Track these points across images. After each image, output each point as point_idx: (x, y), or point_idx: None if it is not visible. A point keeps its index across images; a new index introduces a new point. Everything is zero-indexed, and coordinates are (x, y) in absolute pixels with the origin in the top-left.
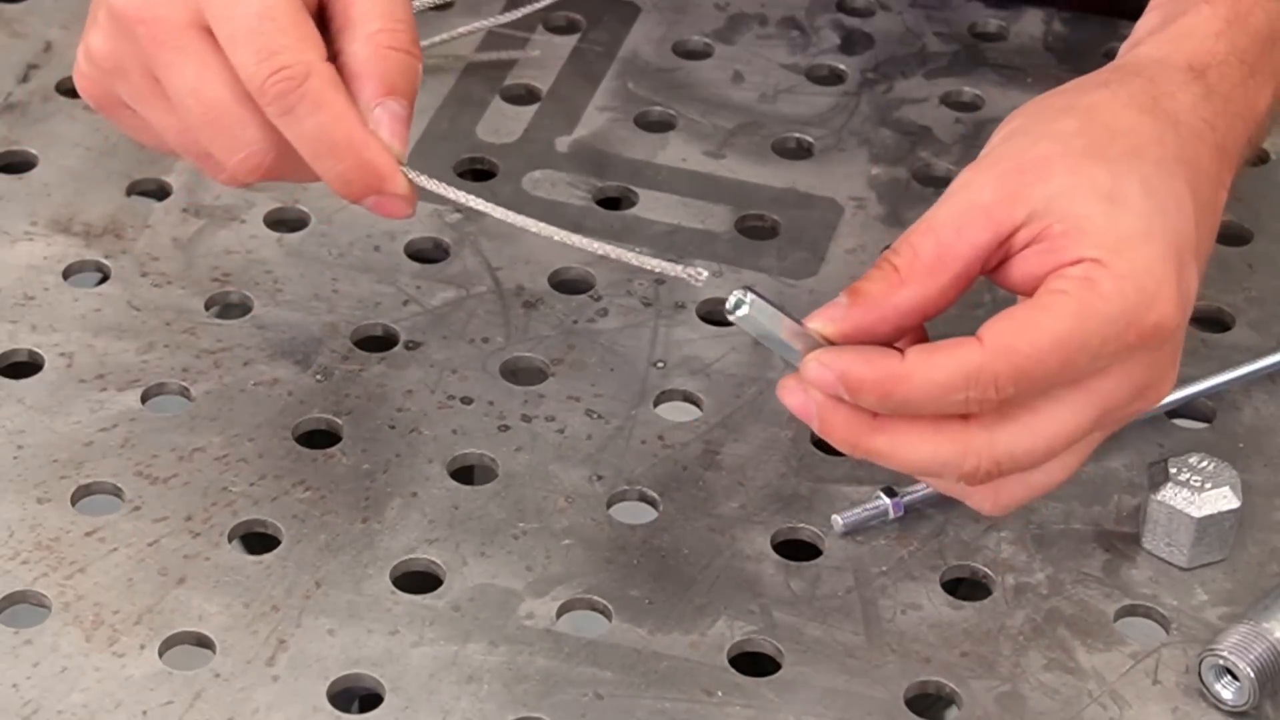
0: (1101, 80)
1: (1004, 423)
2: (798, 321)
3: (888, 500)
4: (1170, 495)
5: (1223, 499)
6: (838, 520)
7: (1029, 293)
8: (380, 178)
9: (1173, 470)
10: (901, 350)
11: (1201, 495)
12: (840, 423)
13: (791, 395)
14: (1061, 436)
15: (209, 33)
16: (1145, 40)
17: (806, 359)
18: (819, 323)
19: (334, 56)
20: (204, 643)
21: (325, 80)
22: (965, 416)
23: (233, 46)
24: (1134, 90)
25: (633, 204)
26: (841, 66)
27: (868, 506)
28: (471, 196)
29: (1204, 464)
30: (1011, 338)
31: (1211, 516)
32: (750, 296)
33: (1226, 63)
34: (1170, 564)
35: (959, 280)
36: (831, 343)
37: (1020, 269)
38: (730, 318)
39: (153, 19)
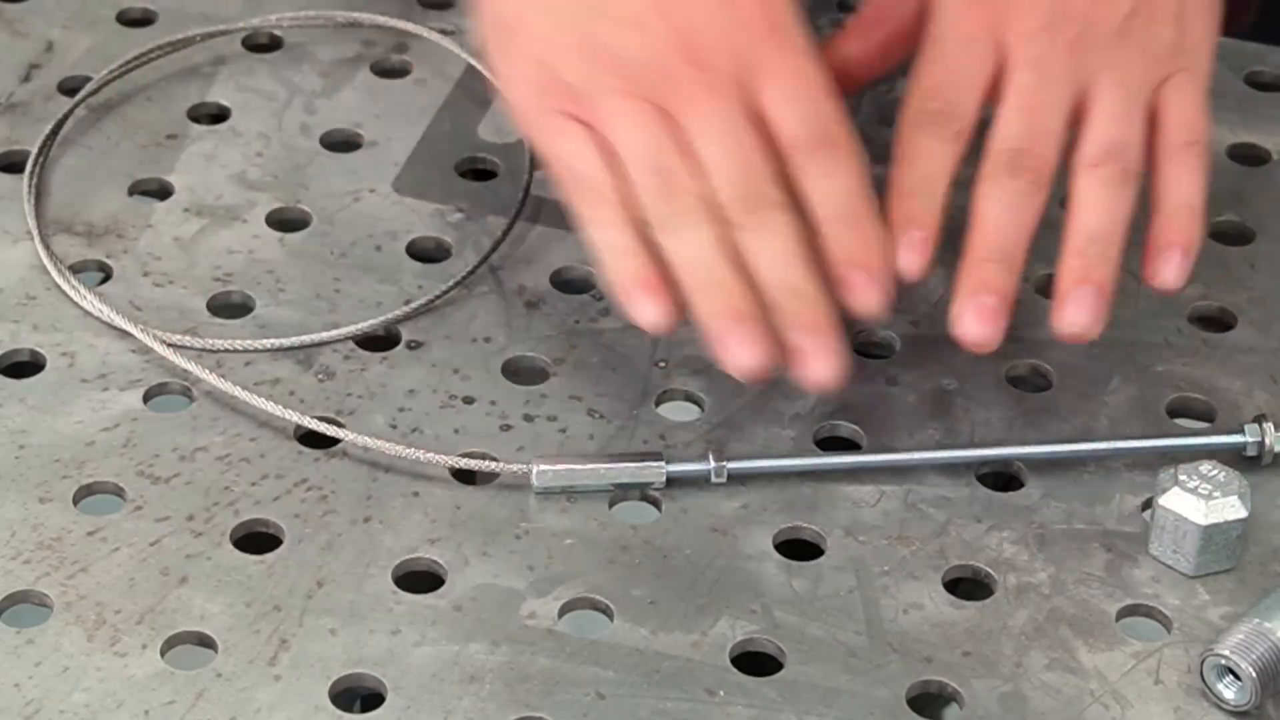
0: None
1: None
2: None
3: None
4: (1177, 502)
5: (1230, 508)
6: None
7: None
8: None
9: (1181, 477)
10: None
11: (1209, 503)
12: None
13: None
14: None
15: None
16: None
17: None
18: None
19: None
20: (206, 642)
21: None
22: None
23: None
24: None
25: None
26: None
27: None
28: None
29: (1214, 472)
30: None
31: (1218, 525)
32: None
33: None
34: (1176, 571)
35: None
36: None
37: None
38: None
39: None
